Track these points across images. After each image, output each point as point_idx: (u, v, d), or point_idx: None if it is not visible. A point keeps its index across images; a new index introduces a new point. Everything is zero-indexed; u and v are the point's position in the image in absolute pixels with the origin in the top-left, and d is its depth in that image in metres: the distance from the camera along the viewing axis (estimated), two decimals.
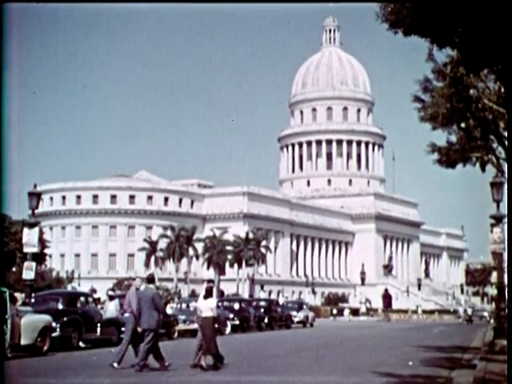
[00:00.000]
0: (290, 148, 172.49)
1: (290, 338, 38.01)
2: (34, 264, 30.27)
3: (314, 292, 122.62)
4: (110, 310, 29.81)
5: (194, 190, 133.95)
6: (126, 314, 19.67)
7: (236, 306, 44.59)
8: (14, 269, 69.97)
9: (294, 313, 55.06)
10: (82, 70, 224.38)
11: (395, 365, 20.51)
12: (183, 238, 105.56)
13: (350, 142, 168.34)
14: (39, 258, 69.74)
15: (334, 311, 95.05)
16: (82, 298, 28.21)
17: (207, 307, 18.89)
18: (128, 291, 20.17)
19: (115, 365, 19.07)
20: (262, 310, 47.84)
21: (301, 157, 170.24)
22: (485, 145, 28.63)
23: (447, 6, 13.31)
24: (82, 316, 26.62)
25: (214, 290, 20.51)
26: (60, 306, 26.47)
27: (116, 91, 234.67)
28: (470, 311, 78.53)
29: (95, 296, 38.10)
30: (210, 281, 19.70)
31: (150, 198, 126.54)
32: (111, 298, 31.23)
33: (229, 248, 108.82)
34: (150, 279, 19.52)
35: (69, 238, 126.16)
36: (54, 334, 24.20)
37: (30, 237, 30.04)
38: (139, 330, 18.95)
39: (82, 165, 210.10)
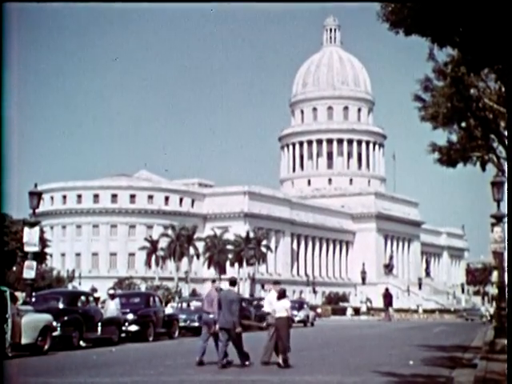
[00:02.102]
0: (291, 147, 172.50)
1: (290, 338, 37.97)
2: (34, 263, 30.26)
3: (314, 291, 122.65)
4: (111, 309, 29.84)
5: (194, 190, 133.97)
6: (211, 316, 20.26)
7: None
8: (14, 268, 70.03)
9: (294, 312, 54.97)
10: (83, 69, 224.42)
11: (396, 364, 20.51)
12: (184, 237, 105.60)
13: (350, 142, 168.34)
14: (40, 257, 69.72)
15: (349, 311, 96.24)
16: (83, 298, 28.20)
17: (282, 308, 19.89)
18: (208, 293, 21.08)
19: (197, 362, 19.65)
20: (263, 309, 47.77)
21: (301, 156, 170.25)
22: (485, 144, 28.63)
23: (448, 6, 13.30)
24: (82, 315, 26.61)
25: (215, 290, 20.91)
26: (61, 306, 26.46)
27: (116, 91, 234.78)
28: (492, 311, 78.89)
29: (95, 295, 38.05)
30: (277, 282, 21.04)
31: (150, 197, 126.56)
32: (112, 297, 31.26)
33: (229, 247, 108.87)
34: (233, 282, 20.73)
35: (69, 238, 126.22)
36: (54, 333, 24.20)
37: (30, 236, 30.04)
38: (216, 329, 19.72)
39: (83, 164, 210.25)
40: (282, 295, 20.23)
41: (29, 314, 23.10)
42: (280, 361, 19.46)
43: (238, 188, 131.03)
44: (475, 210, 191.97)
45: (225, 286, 21.11)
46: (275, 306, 20.05)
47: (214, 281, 21.83)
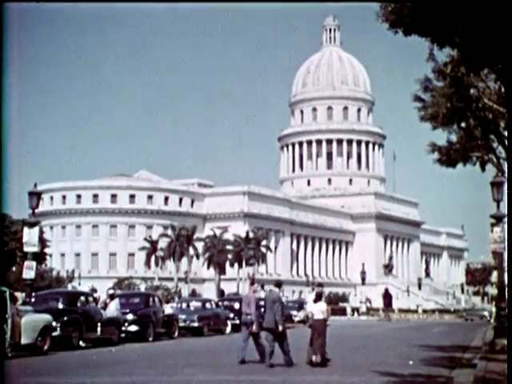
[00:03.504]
0: (291, 147, 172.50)
1: (290, 338, 37.97)
2: (34, 263, 30.25)
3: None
4: (111, 309, 29.85)
5: (194, 190, 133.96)
6: (248, 316, 20.85)
7: (236, 305, 44.52)
8: (14, 268, 70.04)
9: (294, 312, 55.07)
10: (83, 69, 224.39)
11: (395, 364, 20.53)
12: (183, 237, 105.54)
13: (350, 142, 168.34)
14: (39, 257, 69.81)
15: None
16: (83, 298, 28.19)
17: (318, 310, 20.54)
18: (247, 294, 21.90)
19: (239, 360, 20.00)
20: (263, 309, 47.77)
21: (301, 156, 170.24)
22: (485, 144, 28.62)
23: (447, 6, 13.31)
24: (82, 315, 26.60)
25: (252, 292, 21.79)
26: (60, 306, 26.46)
27: (116, 90, 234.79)
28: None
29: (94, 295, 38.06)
30: (320, 285, 21.79)
31: (150, 197, 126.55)
32: (112, 297, 31.27)
33: (229, 247, 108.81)
34: (278, 284, 21.48)
35: (69, 238, 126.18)
36: (54, 334, 24.18)
37: (30, 236, 30.03)
38: (255, 329, 20.26)
39: (83, 164, 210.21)
40: (318, 298, 20.92)
41: (28, 314, 23.10)
42: (316, 359, 19.93)
43: (237, 188, 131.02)
44: (475, 210, 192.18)
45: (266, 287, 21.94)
46: (312, 308, 20.77)
47: (252, 283, 22.53)
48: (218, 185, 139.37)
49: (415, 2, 13.92)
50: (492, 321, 71.28)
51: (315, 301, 20.82)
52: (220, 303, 44.26)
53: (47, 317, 23.91)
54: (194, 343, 32.01)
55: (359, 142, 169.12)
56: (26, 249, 30.37)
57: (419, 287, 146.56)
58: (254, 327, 20.21)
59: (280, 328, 19.62)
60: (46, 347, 23.32)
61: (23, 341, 22.26)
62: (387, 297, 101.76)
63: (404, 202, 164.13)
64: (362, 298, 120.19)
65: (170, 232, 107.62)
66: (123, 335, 29.89)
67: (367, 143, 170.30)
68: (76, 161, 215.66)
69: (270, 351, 19.58)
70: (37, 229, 30.55)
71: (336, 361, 20.90)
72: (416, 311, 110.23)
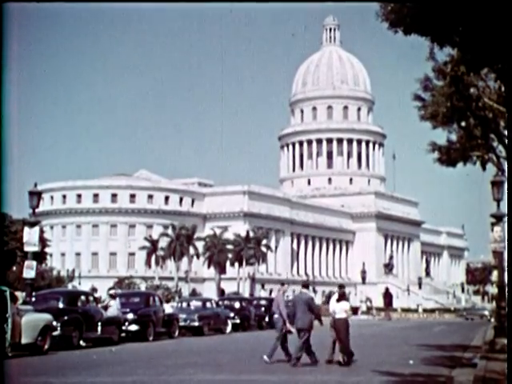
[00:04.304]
0: (291, 147, 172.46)
1: (290, 337, 37.96)
2: (34, 263, 30.27)
3: (314, 291, 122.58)
4: (112, 309, 29.85)
5: (194, 189, 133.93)
6: (276, 316, 21.23)
7: (237, 304, 44.64)
8: (14, 268, 70.02)
9: None
10: (83, 69, 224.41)
11: (396, 363, 20.54)
12: (184, 236, 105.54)
13: (350, 141, 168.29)
14: (40, 256, 69.75)
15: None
16: (83, 297, 28.19)
17: (341, 309, 20.78)
18: (276, 296, 22.12)
19: (266, 359, 20.27)
20: (263, 308, 47.84)
21: (301, 155, 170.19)
22: (485, 143, 28.62)
23: (447, 5, 13.30)
24: (82, 315, 26.60)
25: (282, 293, 22.06)
26: (60, 305, 26.46)
27: (116, 90, 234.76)
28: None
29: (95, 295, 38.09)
30: (341, 286, 21.93)
31: (150, 196, 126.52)
32: (113, 297, 31.27)
33: (229, 247, 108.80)
34: (305, 285, 21.99)
35: (69, 237, 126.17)
36: (54, 333, 24.20)
37: (30, 236, 30.04)
38: (292, 329, 20.49)
39: (83, 164, 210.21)
40: (341, 297, 21.19)
41: (29, 314, 23.10)
42: (340, 359, 20.25)
43: (237, 187, 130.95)
44: (475, 209, 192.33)
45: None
46: (335, 308, 20.95)
47: (282, 284, 23.07)
48: (218, 184, 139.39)
49: (415, 1, 13.92)
50: (492, 320, 71.46)
51: (338, 300, 21.09)
52: (220, 303, 44.31)
53: (47, 316, 23.91)
54: (194, 343, 32.01)
55: (359, 142, 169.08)
56: (27, 248, 30.39)
57: (419, 286, 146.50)
58: (287, 326, 20.61)
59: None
60: (46, 347, 23.33)
61: (23, 340, 22.26)
62: (387, 296, 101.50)
63: (404, 201, 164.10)
64: (362, 297, 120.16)
65: (170, 231, 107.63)
66: (123, 335, 29.90)
67: (367, 142, 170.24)
68: (76, 160, 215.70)
69: (299, 350, 19.97)
70: (37, 228, 30.57)
71: (336, 360, 20.91)
72: (416, 310, 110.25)
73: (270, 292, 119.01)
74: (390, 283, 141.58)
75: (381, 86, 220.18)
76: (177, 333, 34.42)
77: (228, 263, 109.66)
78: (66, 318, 25.65)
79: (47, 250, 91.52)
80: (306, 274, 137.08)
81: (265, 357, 20.32)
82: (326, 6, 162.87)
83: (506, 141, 25.29)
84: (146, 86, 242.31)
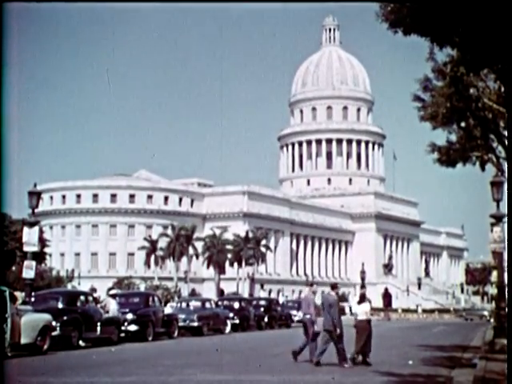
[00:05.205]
0: (290, 147, 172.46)
1: (289, 337, 38.01)
2: (33, 263, 30.26)
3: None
4: (112, 309, 29.85)
5: (193, 189, 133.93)
6: (307, 316, 21.40)
7: (236, 305, 44.62)
8: (13, 268, 70.00)
9: (294, 312, 55.05)
10: (82, 69, 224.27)
11: (395, 364, 20.54)
12: (183, 237, 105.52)
13: (349, 141, 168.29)
14: (39, 257, 69.78)
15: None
16: (82, 297, 28.18)
17: (362, 311, 21.12)
18: (306, 296, 22.40)
19: (315, 360, 20.17)
20: (262, 309, 47.85)
21: (301, 156, 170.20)
22: (485, 144, 28.61)
23: (447, 6, 13.30)
24: (82, 315, 26.59)
25: (312, 293, 22.13)
26: (60, 305, 26.44)
27: (116, 90, 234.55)
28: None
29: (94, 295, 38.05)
30: (362, 286, 21.70)
31: (149, 197, 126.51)
32: (114, 297, 31.26)
33: (229, 247, 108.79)
34: (333, 286, 21.80)
35: (69, 237, 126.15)
36: (53, 333, 24.18)
37: (29, 236, 30.04)
38: (318, 330, 20.67)
39: (82, 164, 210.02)
40: (362, 299, 21.41)
41: (28, 314, 23.08)
42: (364, 358, 20.50)
43: (237, 188, 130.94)
44: (475, 209, 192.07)
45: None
46: (356, 310, 21.31)
47: (311, 284, 23.07)
48: (218, 184, 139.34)
49: (415, 1, 13.92)
50: (492, 320, 71.45)
51: (359, 302, 21.33)
52: (220, 303, 44.32)
53: (47, 316, 23.90)
54: (193, 343, 32.02)
55: (359, 142, 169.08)
56: (26, 248, 30.38)
57: (419, 287, 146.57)
58: (316, 327, 20.79)
59: (338, 330, 20.04)
60: (45, 347, 23.32)
61: (23, 340, 22.25)
62: (387, 296, 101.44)
63: (404, 201, 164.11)
64: None
65: (169, 232, 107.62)
66: (123, 335, 29.89)
67: (367, 143, 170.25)
68: (76, 160, 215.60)
69: (321, 350, 20.03)
70: (36, 228, 30.56)
71: (335, 360, 20.90)
72: (416, 311, 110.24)
73: (270, 292, 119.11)
74: (389, 283, 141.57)
75: (380, 87, 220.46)
76: (176, 333, 34.40)
77: (227, 263, 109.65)
78: (65, 318, 25.64)
79: (47, 250, 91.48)
80: (305, 274, 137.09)
81: (314, 359, 20.22)
82: (326, 6, 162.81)
83: (506, 141, 25.31)
84: (146, 85, 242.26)
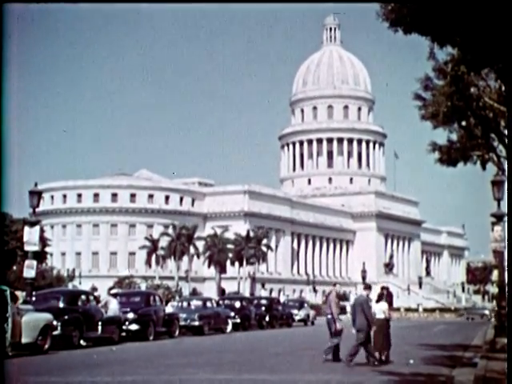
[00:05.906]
0: (291, 146, 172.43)
1: (291, 337, 38.04)
2: (34, 262, 30.27)
3: (315, 290, 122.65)
4: (113, 308, 29.85)
5: (194, 189, 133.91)
6: (328, 316, 21.46)
7: (237, 304, 44.63)
8: (14, 267, 70.06)
9: (294, 311, 55.11)
10: (83, 69, 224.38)
11: (396, 363, 20.53)
12: (184, 236, 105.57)
13: (350, 141, 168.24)
14: (40, 256, 69.62)
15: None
16: (83, 297, 28.18)
17: (380, 310, 21.20)
18: (329, 296, 22.34)
19: (348, 362, 20.15)
20: (263, 308, 47.88)
21: (302, 155, 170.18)
22: (485, 143, 28.62)
23: (448, 5, 13.30)
24: (82, 314, 26.60)
25: (335, 293, 22.02)
26: (61, 305, 26.45)
27: (116, 90, 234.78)
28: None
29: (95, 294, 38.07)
30: (383, 288, 22.43)
31: (150, 196, 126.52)
32: (115, 296, 31.26)
33: (230, 246, 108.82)
34: (367, 287, 22.36)
35: (69, 237, 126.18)
36: (54, 333, 24.17)
37: (30, 235, 30.04)
38: (340, 327, 20.93)
39: (83, 163, 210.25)
40: (380, 298, 21.54)
41: (29, 314, 23.08)
42: (383, 357, 20.64)
43: (238, 187, 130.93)
44: (475, 208, 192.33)
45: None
46: (374, 308, 21.22)
47: (334, 284, 23.25)
48: (219, 184, 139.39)
49: (415, 1, 13.92)
50: (493, 319, 71.43)
51: (377, 301, 21.41)
52: (221, 302, 44.32)
53: (48, 316, 23.90)
54: (194, 342, 32.02)
55: (360, 141, 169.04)
56: (27, 248, 30.39)
57: (420, 286, 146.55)
58: (338, 326, 20.89)
59: (372, 330, 20.35)
60: (46, 346, 23.31)
61: (24, 340, 22.25)
62: (388, 296, 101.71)
63: (404, 200, 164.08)
64: None
65: (170, 231, 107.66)
66: (124, 334, 29.89)
67: (368, 142, 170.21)
68: (76, 160, 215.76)
69: (353, 351, 20.12)
70: (37, 228, 30.56)
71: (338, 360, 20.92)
72: (416, 310, 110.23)
73: (271, 291, 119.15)
74: (390, 283, 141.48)
75: (381, 86, 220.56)
76: (177, 332, 34.40)
77: (228, 263, 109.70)
78: (66, 317, 25.65)
79: (47, 249, 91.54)
80: (306, 273, 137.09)
81: (346, 361, 20.19)
82: (327, 5, 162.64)
83: (507, 140, 25.29)
84: (147, 85, 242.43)
